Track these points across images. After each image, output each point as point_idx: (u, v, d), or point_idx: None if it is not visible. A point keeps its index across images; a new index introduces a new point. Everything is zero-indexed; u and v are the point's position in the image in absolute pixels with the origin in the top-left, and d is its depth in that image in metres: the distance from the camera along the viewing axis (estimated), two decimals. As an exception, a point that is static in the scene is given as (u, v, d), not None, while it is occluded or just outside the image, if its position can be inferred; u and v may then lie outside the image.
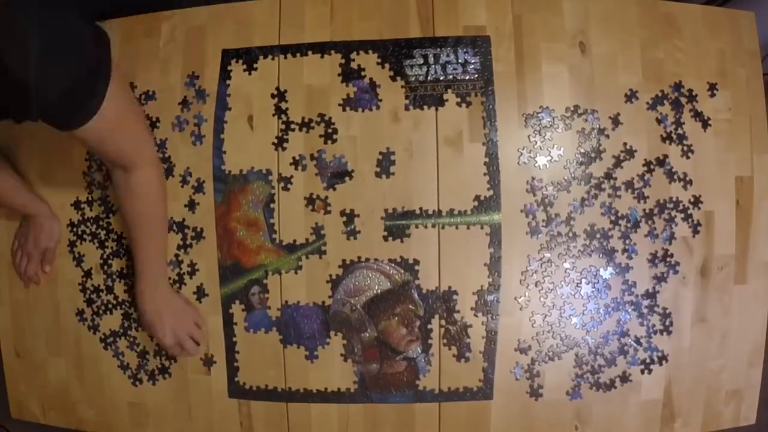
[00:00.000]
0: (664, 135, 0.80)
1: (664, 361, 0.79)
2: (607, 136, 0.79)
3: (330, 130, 0.80)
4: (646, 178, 0.79)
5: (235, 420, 0.82)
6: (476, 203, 0.78)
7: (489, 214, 0.78)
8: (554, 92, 0.79)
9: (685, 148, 0.80)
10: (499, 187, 0.78)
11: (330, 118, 0.80)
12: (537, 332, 0.79)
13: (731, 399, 0.82)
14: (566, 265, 0.79)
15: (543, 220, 0.78)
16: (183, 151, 0.83)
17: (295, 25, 0.81)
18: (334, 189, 0.79)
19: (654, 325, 0.79)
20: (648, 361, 0.79)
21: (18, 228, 0.88)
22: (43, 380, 0.89)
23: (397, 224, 0.79)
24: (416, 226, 0.78)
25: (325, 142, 0.80)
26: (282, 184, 0.80)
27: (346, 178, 0.79)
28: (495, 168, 0.79)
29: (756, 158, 0.81)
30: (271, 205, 0.80)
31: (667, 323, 0.79)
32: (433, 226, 0.78)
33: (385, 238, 0.79)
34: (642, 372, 0.79)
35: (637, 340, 0.79)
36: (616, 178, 0.79)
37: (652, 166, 0.79)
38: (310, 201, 0.80)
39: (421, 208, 0.78)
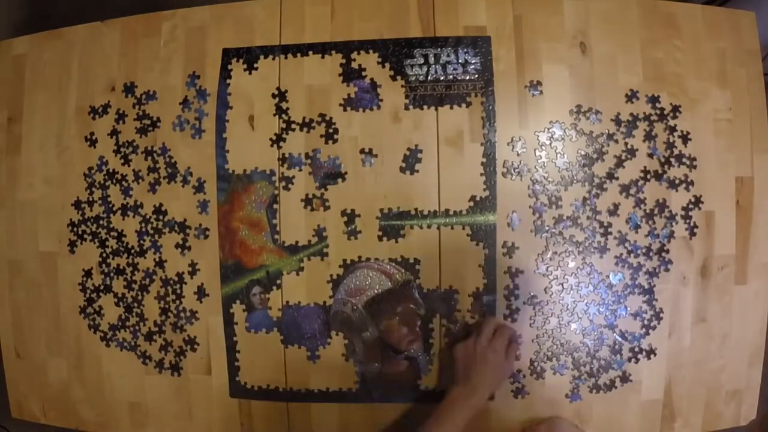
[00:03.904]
0: (665, 135, 0.80)
1: (652, 355, 0.79)
2: (616, 141, 0.79)
3: (331, 130, 0.80)
4: (647, 177, 0.79)
5: (236, 420, 0.82)
6: (472, 203, 0.78)
7: (484, 214, 0.78)
8: (555, 93, 0.79)
9: (686, 148, 0.80)
10: (495, 187, 0.78)
11: (331, 118, 0.80)
12: (536, 334, 0.79)
13: (731, 399, 0.82)
14: (567, 265, 0.79)
15: (543, 221, 0.78)
16: (184, 150, 0.83)
17: (296, 25, 0.82)
18: (326, 189, 0.79)
19: (645, 321, 0.79)
20: (636, 350, 0.79)
21: None
22: (43, 380, 0.89)
23: (392, 224, 0.79)
24: (411, 227, 0.79)
25: (326, 142, 0.80)
26: (284, 184, 0.80)
27: (339, 180, 0.79)
28: (492, 169, 0.79)
29: (756, 158, 0.81)
30: (274, 206, 0.80)
31: (655, 318, 0.79)
32: (428, 226, 0.78)
33: (380, 238, 0.79)
34: (629, 360, 0.79)
35: (623, 335, 0.79)
36: (618, 178, 0.79)
37: (652, 166, 0.79)
38: (308, 202, 0.80)
39: (416, 209, 0.78)
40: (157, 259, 0.83)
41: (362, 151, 0.79)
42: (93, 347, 0.86)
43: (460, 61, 0.80)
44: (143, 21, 0.85)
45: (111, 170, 0.85)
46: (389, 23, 0.81)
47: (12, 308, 0.89)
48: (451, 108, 0.79)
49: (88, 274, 0.86)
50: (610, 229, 0.79)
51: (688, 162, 0.80)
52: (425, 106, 0.79)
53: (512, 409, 0.79)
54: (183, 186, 0.83)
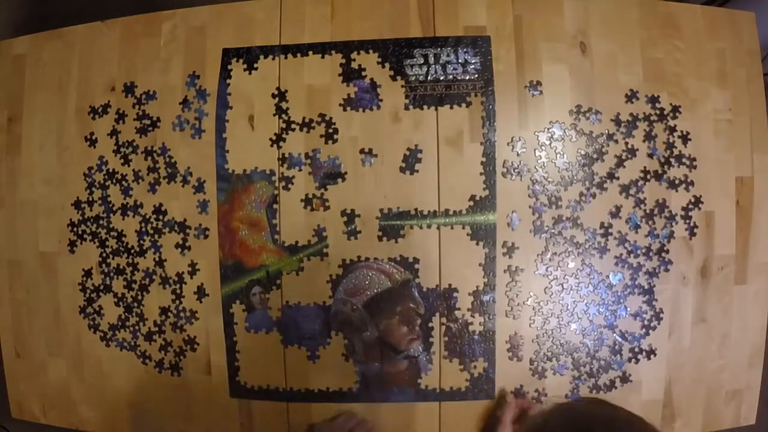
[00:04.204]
0: (665, 135, 0.80)
1: (652, 356, 0.79)
2: (616, 141, 0.79)
3: (331, 130, 0.80)
4: (647, 178, 0.79)
5: (236, 420, 0.82)
6: (471, 203, 0.78)
7: (484, 214, 0.78)
8: (555, 93, 0.79)
9: (686, 149, 0.80)
10: (495, 187, 0.78)
11: (330, 118, 0.80)
12: (536, 334, 0.79)
13: (731, 399, 0.82)
14: (567, 265, 0.79)
15: (542, 221, 0.78)
16: (184, 150, 0.83)
17: (296, 25, 0.82)
18: (326, 189, 0.79)
19: (645, 321, 0.79)
20: (636, 350, 0.79)
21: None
22: (43, 380, 0.89)
23: (392, 224, 0.79)
24: (411, 227, 0.78)
25: (326, 142, 0.80)
26: (283, 184, 0.80)
27: (339, 180, 0.79)
28: (492, 168, 0.79)
29: (756, 158, 0.81)
30: (274, 206, 0.80)
31: (655, 318, 0.79)
32: (428, 226, 0.78)
33: (380, 238, 0.79)
34: (629, 360, 0.79)
35: (623, 335, 0.79)
36: (618, 178, 0.79)
37: (652, 166, 0.79)
38: (308, 202, 0.80)
39: (416, 209, 0.78)
40: (157, 259, 0.83)
41: (362, 151, 0.79)
42: (93, 347, 0.86)
43: (460, 61, 0.80)
44: (143, 21, 0.85)
45: (111, 170, 0.85)
46: (389, 23, 0.81)
47: (12, 308, 0.89)
48: (451, 108, 0.79)
49: (88, 274, 0.86)
50: (610, 230, 0.79)
51: (688, 162, 0.80)
52: (425, 106, 0.79)
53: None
54: (183, 186, 0.83)
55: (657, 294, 0.79)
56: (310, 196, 0.80)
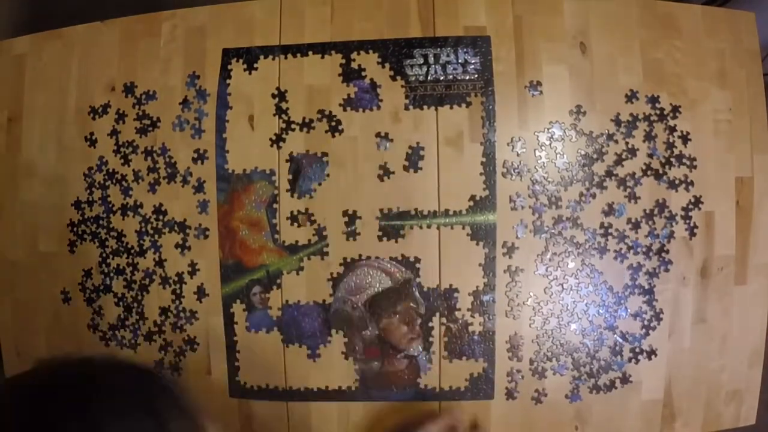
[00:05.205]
0: (665, 135, 0.80)
1: (653, 356, 0.79)
2: (616, 142, 0.79)
3: (333, 123, 0.79)
4: (647, 173, 0.79)
5: (236, 420, 0.82)
6: (471, 203, 0.78)
7: (484, 214, 0.78)
8: (555, 93, 0.79)
9: (686, 149, 0.80)
10: (495, 187, 0.78)
11: (331, 112, 0.80)
12: (536, 334, 0.79)
13: (731, 399, 0.82)
14: (567, 265, 0.79)
15: (542, 221, 0.78)
16: (184, 150, 0.83)
17: (296, 25, 0.82)
18: (311, 196, 0.79)
19: (645, 321, 0.79)
20: (637, 351, 0.79)
21: None
22: (43, 380, 0.88)
23: (392, 224, 0.79)
24: (411, 227, 0.78)
25: (333, 136, 0.79)
26: (284, 184, 0.80)
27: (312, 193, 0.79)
28: (492, 168, 0.79)
29: (756, 158, 0.81)
30: (274, 206, 0.80)
31: (655, 319, 0.79)
32: (428, 226, 0.78)
33: (380, 238, 0.79)
34: (629, 360, 0.79)
35: (623, 336, 0.79)
36: (617, 175, 0.79)
37: (652, 166, 0.79)
38: (294, 219, 0.79)
39: (416, 209, 0.78)
40: (157, 259, 0.83)
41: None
42: (93, 347, 0.86)
43: (459, 61, 0.80)
44: (143, 21, 0.85)
45: (111, 170, 0.85)
46: (389, 23, 0.81)
47: (12, 308, 0.89)
48: (451, 108, 0.79)
49: (88, 274, 0.86)
50: (610, 230, 0.79)
51: (688, 162, 0.80)
52: (425, 106, 0.79)
53: (511, 409, 0.79)
54: (183, 186, 0.83)
55: (657, 294, 0.79)
56: (295, 213, 0.79)
